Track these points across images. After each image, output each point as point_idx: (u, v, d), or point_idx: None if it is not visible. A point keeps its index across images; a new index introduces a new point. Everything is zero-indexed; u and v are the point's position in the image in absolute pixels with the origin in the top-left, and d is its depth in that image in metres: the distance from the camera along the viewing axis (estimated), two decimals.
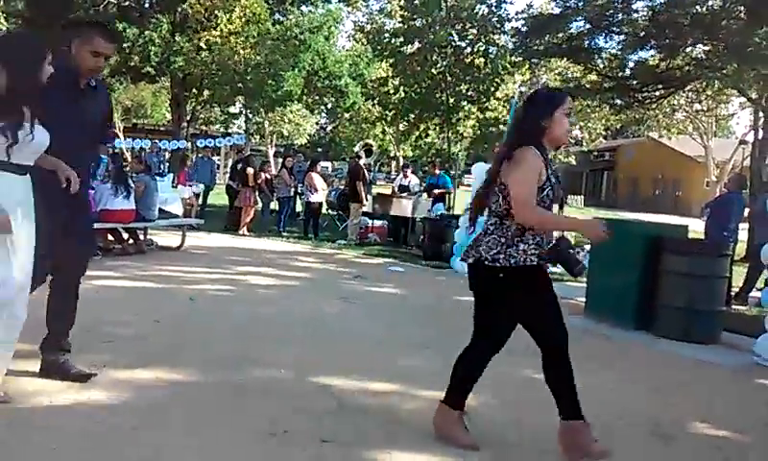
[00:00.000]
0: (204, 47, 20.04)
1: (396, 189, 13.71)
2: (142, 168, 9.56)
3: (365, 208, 12.77)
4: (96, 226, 8.23)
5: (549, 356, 3.23)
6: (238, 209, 12.96)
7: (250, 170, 12.89)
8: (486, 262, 3.06)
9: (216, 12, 19.77)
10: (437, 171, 14.19)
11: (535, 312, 3.18)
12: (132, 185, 8.81)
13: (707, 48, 14.09)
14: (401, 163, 23.45)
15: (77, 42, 3.55)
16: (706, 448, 2.98)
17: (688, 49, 14.47)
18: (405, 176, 14.13)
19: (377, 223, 13.13)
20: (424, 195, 13.53)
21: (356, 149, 19.49)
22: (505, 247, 3.04)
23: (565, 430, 3.20)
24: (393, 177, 14.40)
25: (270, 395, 3.83)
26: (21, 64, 3.05)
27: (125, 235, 9.08)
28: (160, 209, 9.56)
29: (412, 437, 3.38)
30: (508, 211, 3.05)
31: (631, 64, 15.77)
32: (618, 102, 17.15)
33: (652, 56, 15.77)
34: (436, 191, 13.47)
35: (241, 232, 12.37)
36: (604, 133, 31.08)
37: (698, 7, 13.09)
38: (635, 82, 15.65)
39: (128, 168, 9.52)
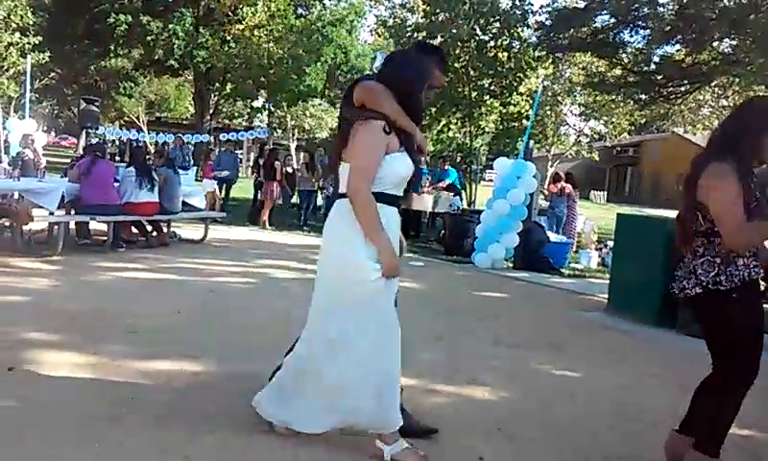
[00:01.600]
0: (229, 40, 20.15)
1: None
2: (163, 161, 9.64)
3: None
4: (120, 218, 8.38)
5: (721, 381, 2.92)
6: (263, 203, 13.03)
7: (277, 164, 12.91)
8: (709, 287, 2.80)
9: (241, 5, 19.86)
10: (446, 166, 14.16)
11: (741, 334, 2.84)
12: (156, 178, 8.90)
13: (733, 43, 13.89)
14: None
15: None
16: (728, 444, 2.95)
17: (715, 44, 14.28)
18: None
19: None
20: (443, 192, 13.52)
21: None
22: (724, 266, 2.79)
23: (685, 451, 2.95)
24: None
25: None
26: (409, 84, 2.92)
27: (149, 227, 9.18)
28: (184, 202, 9.63)
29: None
30: (712, 229, 2.80)
31: (656, 59, 15.62)
32: (643, 97, 16.98)
33: (678, 50, 15.59)
34: (440, 185, 13.48)
35: (262, 226, 12.43)
36: (628, 128, 30.69)
37: (725, 1, 12.89)
38: (660, 76, 15.49)
39: (151, 161, 9.59)
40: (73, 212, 8.28)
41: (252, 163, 22.69)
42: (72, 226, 8.62)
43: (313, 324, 3.08)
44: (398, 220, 3.02)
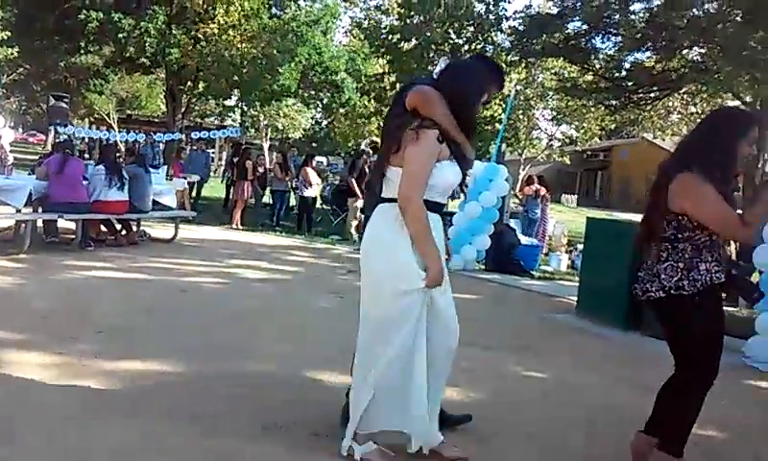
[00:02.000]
0: (202, 38, 19.99)
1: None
2: (132, 159, 9.53)
3: (360, 204, 12.73)
4: (89, 216, 8.26)
5: (683, 382, 2.98)
6: (235, 202, 12.95)
7: (249, 163, 12.85)
8: (671, 291, 2.87)
9: (213, 4, 19.72)
10: None
11: (702, 337, 2.91)
12: (126, 177, 8.79)
13: (702, 51, 14.16)
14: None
15: None
16: (690, 444, 3.02)
17: (684, 51, 14.54)
18: None
19: None
20: None
21: (363, 145, 19.43)
22: (687, 272, 2.86)
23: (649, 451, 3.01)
24: None
25: (263, 388, 3.84)
26: (465, 95, 2.91)
27: (118, 226, 9.06)
28: (154, 201, 9.53)
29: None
30: (676, 235, 2.88)
31: (627, 65, 15.85)
32: (614, 102, 17.22)
33: (648, 57, 15.83)
34: None
35: (234, 226, 12.35)
36: (599, 133, 31.08)
37: (694, 10, 13.14)
38: (630, 83, 15.72)
39: (121, 159, 9.46)
40: (41, 210, 8.15)
41: (224, 163, 22.55)
42: (40, 224, 8.48)
43: (361, 328, 3.03)
44: (442, 227, 2.99)
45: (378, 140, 16.52)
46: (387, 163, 2.88)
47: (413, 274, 2.78)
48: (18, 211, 7.80)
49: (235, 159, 13.81)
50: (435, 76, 3.15)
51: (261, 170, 14.05)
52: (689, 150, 2.98)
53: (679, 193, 2.84)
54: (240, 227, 12.40)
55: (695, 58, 14.61)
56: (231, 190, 14.15)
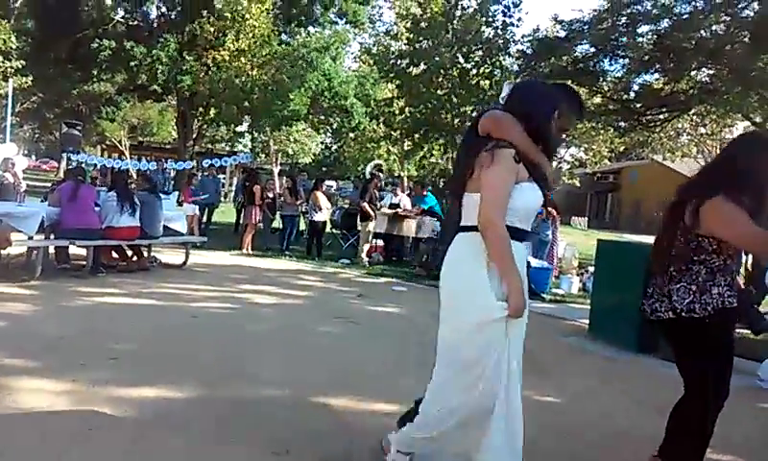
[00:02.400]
0: (212, 66, 20.19)
1: (387, 207, 13.73)
2: (147, 186, 9.59)
3: (371, 227, 12.74)
4: (100, 243, 8.31)
5: (692, 405, 2.97)
6: (245, 227, 12.99)
7: (257, 188, 12.91)
8: (682, 314, 2.86)
9: (225, 31, 19.95)
10: (424, 192, 14.23)
11: (711, 361, 2.89)
12: (138, 203, 8.85)
13: (711, 72, 14.15)
14: (390, 182, 23.49)
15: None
16: None
17: (693, 73, 14.53)
18: (396, 194, 14.17)
19: (380, 242, 13.16)
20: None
21: (368, 168, 19.47)
22: (699, 294, 2.84)
23: None
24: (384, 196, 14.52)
25: (272, 414, 3.83)
26: (536, 113, 2.78)
27: (129, 252, 9.10)
28: (165, 227, 9.57)
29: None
30: (692, 257, 2.88)
31: (635, 87, 15.86)
32: (623, 124, 17.21)
33: (656, 79, 15.84)
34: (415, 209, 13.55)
35: (245, 250, 12.37)
36: (608, 155, 31.06)
37: (702, 32, 13.15)
38: (639, 105, 15.72)
39: (133, 185, 9.53)
40: (52, 237, 8.20)
41: (234, 188, 22.65)
42: (51, 250, 8.53)
43: (440, 361, 2.85)
44: (526, 256, 2.89)
45: (382, 163, 16.52)
46: (463, 189, 2.74)
47: (494, 304, 2.63)
48: (30, 238, 7.86)
49: (247, 184, 13.88)
50: (502, 101, 3.06)
51: (271, 195, 14.09)
52: (718, 174, 2.96)
53: (710, 216, 2.81)
54: (250, 251, 12.42)
55: (704, 79, 14.60)
56: (242, 215, 14.22)
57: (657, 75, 15.41)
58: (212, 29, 20.33)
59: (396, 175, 27.89)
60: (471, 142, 2.88)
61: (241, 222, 14.01)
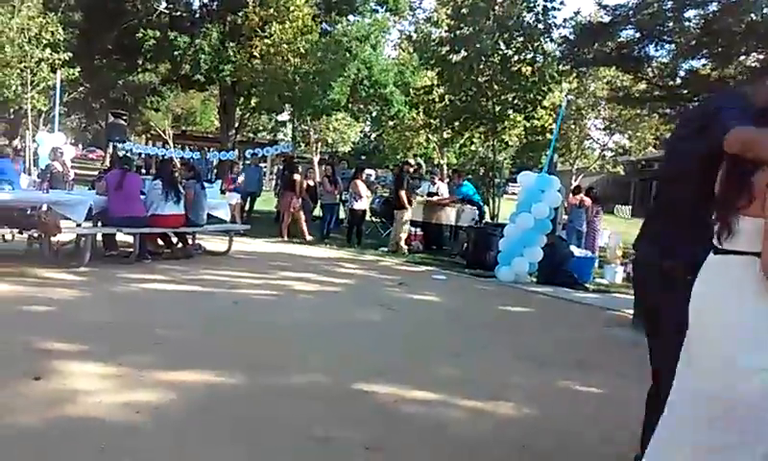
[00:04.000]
0: (257, 55, 20.35)
1: (425, 195, 13.67)
2: (191, 174, 9.73)
3: (407, 216, 12.72)
4: (146, 230, 8.48)
5: None
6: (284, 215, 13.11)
7: (297, 176, 12.97)
8: None
9: (270, 21, 20.07)
10: (461, 180, 14.12)
11: None
12: (182, 191, 9.00)
13: (761, 57, 13.71)
14: (428, 170, 23.41)
15: None
16: None
17: (742, 58, 14.10)
18: (433, 183, 14.10)
19: (419, 231, 13.15)
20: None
21: (412, 161, 19.43)
22: None
23: None
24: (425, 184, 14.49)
25: (312, 400, 3.87)
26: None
27: (174, 240, 9.27)
28: (209, 215, 9.72)
29: (454, 446, 3.36)
30: None
31: (682, 73, 15.47)
32: (668, 111, 16.82)
33: (704, 65, 15.42)
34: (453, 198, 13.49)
35: (284, 238, 12.45)
36: (653, 142, 30.41)
37: (753, 15, 12.74)
38: (685, 91, 15.32)
39: (177, 174, 9.69)
40: (100, 224, 8.40)
41: (275, 177, 22.87)
42: (99, 237, 8.74)
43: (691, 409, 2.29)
44: None
45: (411, 160, 16.29)
46: (734, 209, 2.27)
47: None
48: (79, 226, 8.06)
49: (285, 173, 14.01)
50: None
51: (311, 183, 14.17)
52: None
53: None
54: (287, 238, 12.46)
55: (753, 64, 14.15)
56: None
57: (704, 60, 15.00)
58: (257, 18, 20.47)
59: (435, 163, 27.80)
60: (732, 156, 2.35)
61: (278, 209, 14.14)
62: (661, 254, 2.72)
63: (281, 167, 16.32)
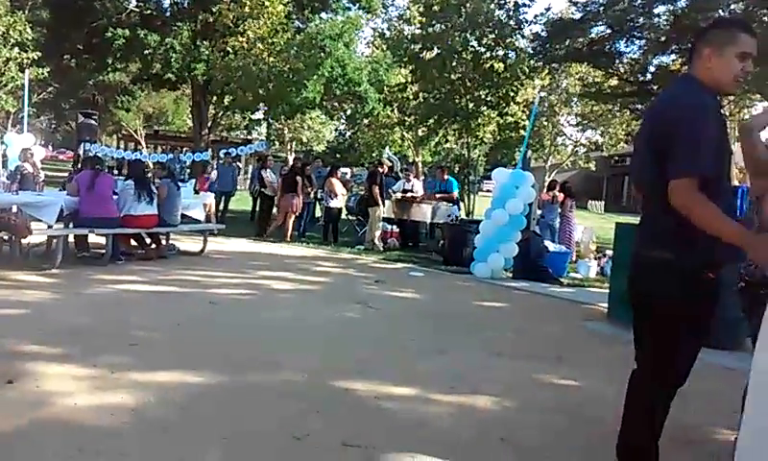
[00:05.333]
0: (231, 52, 20.19)
1: (400, 193, 13.69)
2: (165, 173, 9.63)
3: (384, 213, 12.72)
4: (119, 231, 8.37)
5: None
6: (266, 215, 13.01)
7: (299, 179, 12.72)
8: None
9: (244, 18, 19.93)
10: (445, 176, 14.16)
11: None
12: (155, 191, 8.90)
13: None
14: (403, 167, 23.46)
15: (717, 48, 2.64)
16: (726, 455, 2.95)
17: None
18: (408, 179, 14.13)
19: (395, 228, 13.16)
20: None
21: (384, 156, 19.40)
22: None
23: None
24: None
25: (291, 398, 3.85)
26: None
27: (147, 240, 9.17)
28: (183, 214, 9.63)
29: (435, 441, 3.36)
30: None
31: (652, 69, 15.70)
32: (639, 106, 17.07)
33: (673, 60, 15.66)
34: (438, 195, 13.48)
35: (288, 239, 12.31)
36: (625, 137, 30.80)
37: (720, 11, 12.97)
38: (656, 86, 15.55)
39: (150, 174, 9.58)
40: (71, 225, 8.27)
41: (250, 176, 22.71)
42: (71, 239, 8.61)
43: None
44: None
45: (386, 162, 16.29)
46: None
47: None
48: (50, 227, 7.93)
49: (263, 172, 13.91)
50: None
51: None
52: None
53: None
54: (288, 240, 12.33)
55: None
56: (258, 203, 14.28)
57: (674, 56, 15.25)
58: (231, 15, 20.30)
59: (410, 161, 27.85)
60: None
61: (257, 209, 14.04)
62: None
63: (257, 166, 16.19)
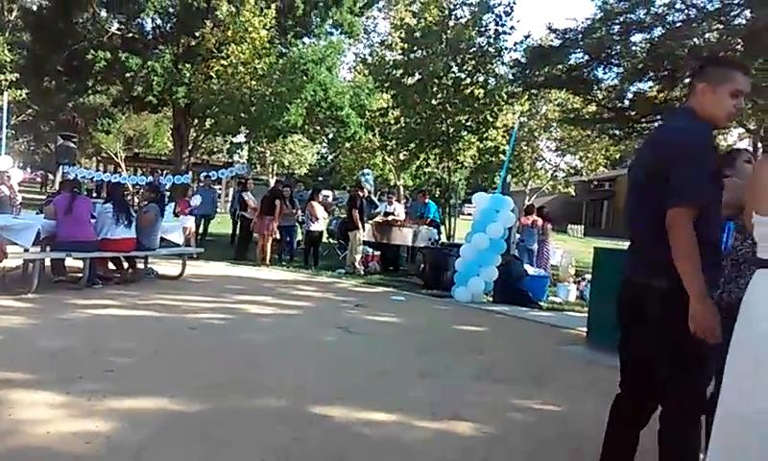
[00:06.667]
0: (213, 76, 20.19)
1: (381, 217, 13.72)
2: (153, 196, 9.53)
3: (365, 237, 12.72)
4: (96, 255, 8.28)
5: None
6: (246, 238, 12.94)
7: (278, 202, 12.64)
8: None
9: (227, 42, 19.96)
10: (426, 200, 14.20)
11: None
12: (134, 214, 8.84)
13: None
14: (384, 191, 23.58)
15: (712, 85, 2.75)
16: None
17: (686, 80, 14.60)
18: (390, 203, 14.17)
19: (376, 252, 13.16)
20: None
21: (363, 179, 19.45)
22: None
23: None
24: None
25: (270, 423, 3.81)
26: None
27: (125, 264, 9.07)
28: (161, 238, 9.55)
29: None
30: None
31: (629, 95, 15.91)
32: (618, 132, 17.29)
33: (650, 87, 15.91)
34: (421, 219, 13.55)
35: (266, 263, 12.24)
36: (604, 162, 31.15)
37: (695, 40, 13.23)
38: (633, 112, 15.78)
39: (129, 198, 9.51)
40: (48, 249, 8.17)
41: (230, 199, 22.64)
42: (48, 263, 8.50)
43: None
44: None
45: (365, 185, 16.40)
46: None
47: None
48: (26, 251, 7.83)
49: (244, 195, 13.87)
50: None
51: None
52: None
53: None
54: (269, 264, 12.26)
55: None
56: (238, 226, 14.21)
57: (651, 83, 15.48)
58: (213, 39, 20.32)
59: (392, 185, 27.91)
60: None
61: (237, 233, 13.96)
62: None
63: (237, 189, 16.15)
